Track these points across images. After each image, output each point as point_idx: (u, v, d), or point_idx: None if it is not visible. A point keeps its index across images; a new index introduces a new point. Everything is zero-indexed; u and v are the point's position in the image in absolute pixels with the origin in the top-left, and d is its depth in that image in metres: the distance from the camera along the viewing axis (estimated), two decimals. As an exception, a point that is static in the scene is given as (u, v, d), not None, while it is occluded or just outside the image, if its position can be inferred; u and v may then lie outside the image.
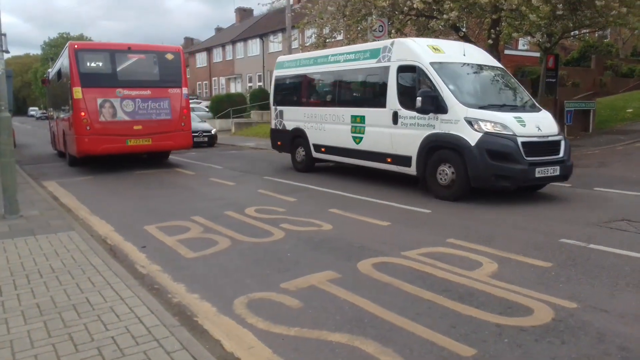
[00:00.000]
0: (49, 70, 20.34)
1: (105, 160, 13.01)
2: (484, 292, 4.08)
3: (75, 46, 11.77)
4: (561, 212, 6.96)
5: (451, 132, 7.65)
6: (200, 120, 21.00)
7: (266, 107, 33.20)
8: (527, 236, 5.74)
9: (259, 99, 33.78)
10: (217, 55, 49.23)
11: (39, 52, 74.81)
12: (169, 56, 12.48)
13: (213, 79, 50.44)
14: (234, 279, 4.54)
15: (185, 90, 12.66)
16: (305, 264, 4.90)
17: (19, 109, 75.73)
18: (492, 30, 14.05)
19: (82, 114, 11.27)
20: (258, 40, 42.11)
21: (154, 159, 14.38)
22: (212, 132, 20.39)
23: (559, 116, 16.14)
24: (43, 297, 3.98)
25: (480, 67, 8.94)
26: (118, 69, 11.81)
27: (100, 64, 11.71)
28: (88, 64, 11.56)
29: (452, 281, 4.33)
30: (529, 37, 17.09)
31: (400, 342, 3.27)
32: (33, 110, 70.96)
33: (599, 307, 3.75)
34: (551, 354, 3.08)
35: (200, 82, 53.57)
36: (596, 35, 30.30)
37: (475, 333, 3.37)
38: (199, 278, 4.61)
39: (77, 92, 11.27)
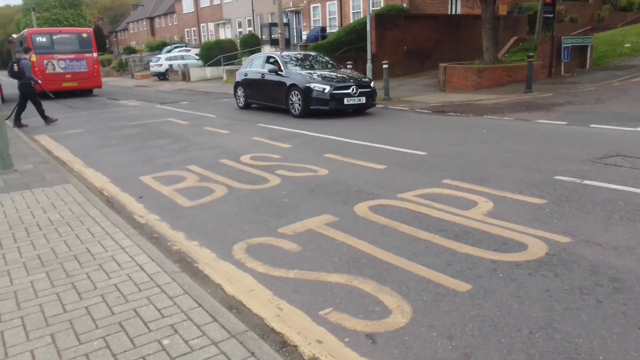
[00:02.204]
0: (14, 35, 29.73)
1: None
2: (480, 230, 4.14)
3: (30, 32, 20.92)
4: (557, 149, 6.97)
5: None
6: (341, 77, 11.84)
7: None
8: (523, 174, 5.77)
9: (250, 44, 32.96)
10: (204, 0, 47.51)
11: (19, 2, 71.98)
12: (84, 35, 21.75)
13: (201, 25, 48.92)
14: (232, 226, 4.58)
15: (95, 55, 21.82)
16: (302, 208, 4.93)
17: (4, 62, 73.81)
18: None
19: (37, 69, 18.21)
20: (246, -18, 40.55)
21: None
22: (372, 85, 11.78)
23: (556, 53, 15.87)
24: (43, 249, 4.01)
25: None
26: (55, 44, 20.74)
27: (44, 40, 20.65)
28: (38, 40, 20.38)
29: (448, 221, 4.39)
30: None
31: (397, 280, 3.35)
32: None
33: (593, 240, 3.82)
34: (544, 286, 3.16)
35: (188, 29, 52.02)
36: (596, -34, 29.31)
37: (471, 269, 3.44)
38: (198, 226, 4.64)
39: (32, 57, 17.68)
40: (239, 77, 14.13)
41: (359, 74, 13.00)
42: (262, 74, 12.78)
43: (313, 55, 13.76)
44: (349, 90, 11.20)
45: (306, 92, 11.21)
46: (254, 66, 13.59)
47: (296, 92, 11.52)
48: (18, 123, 12.35)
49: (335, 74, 12.04)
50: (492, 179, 5.64)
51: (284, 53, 13.45)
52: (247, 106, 13.93)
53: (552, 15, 16.32)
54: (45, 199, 5.43)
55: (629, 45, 18.89)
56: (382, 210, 4.76)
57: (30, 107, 12.42)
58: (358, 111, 11.91)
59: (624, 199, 4.71)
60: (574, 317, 2.80)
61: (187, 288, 3.25)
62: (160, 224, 4.75)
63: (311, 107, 11.24)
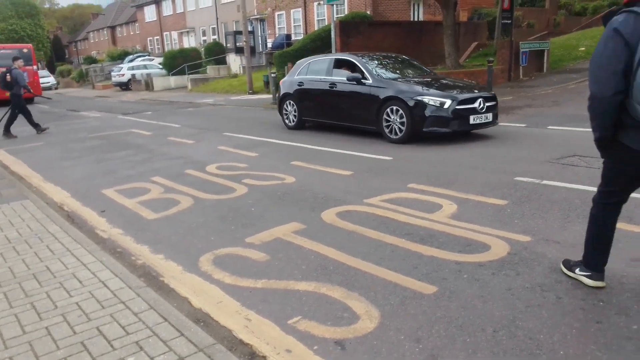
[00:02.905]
0: None
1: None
2: (444, 232, 4.21)
3: None
4: (516, 151, 7.17)
5: None
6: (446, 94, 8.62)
7: (222, 62, 32.37)
8: (485, 177, 5.91)
9: (214, 53, 32.75)
10: (167, 8, 46.97)
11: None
12: (25, 50, 24.80)
13: (164, 33, 48.32)
14: (198, 237, 4.52)
15: (35, 67, 24.78)
16: (270, 217, 4.92)
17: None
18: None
19: None
20: (209, -10, 40.32)
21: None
22: (496, 97, 8.83)
23: (514, 57, 16.37)
24: (0, 269, 3.86)
25: None
26: None
27: None
28: None
29: (413, 224, 4.45)
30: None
31: (365, 285, 3.37)
32: None
33: (552, 239, 3.94)
34: (507, 285, 3.24)
35: (151, 38, 51.30)
36: (549, -26, 30.38)
37: (436, 272, 3.50)
38: (163, 238, 4.57)
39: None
40: (287, 88, 10.78)
41: (468, 81, 10.53)
42: (332, 82, 9.56)
43: (394, 57, 10.64)
44: (475, 105, 8.03)
45: (416, 107, 8.01)
46: (311, 72, 10.26)
47: (396, 108, 8.26)
48: (8, 134, 12.36)
49: (445, 81, 9.17)
50: (457, 182, 5.76)
51: (360, 54, 9.96)
52: (300, 125, 10.66)
53: (510, 21, 16.84)
54: (2, 216, 5.24)
55: (583, 49, 19.65)
56: (349, 216, 4.79)
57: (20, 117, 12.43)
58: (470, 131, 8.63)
59: (580, 198, 4.88)
60: (535, 314, 2.88)
61: (152, 303, 3.19)
62: (124, 238, 4.65)
63: (424, 129, 8.04)
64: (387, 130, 8.57)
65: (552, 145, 7.43)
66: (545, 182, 5.50)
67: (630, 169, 2.85)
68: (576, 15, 30.56)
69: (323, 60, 10.28)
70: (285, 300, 3.25)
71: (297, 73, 10.71)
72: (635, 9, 2.52)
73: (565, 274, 3.28)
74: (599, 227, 3.09)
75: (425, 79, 9.04)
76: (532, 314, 2.89)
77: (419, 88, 8.29)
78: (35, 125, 12.85)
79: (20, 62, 12.68)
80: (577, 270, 3.20)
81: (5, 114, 12.57)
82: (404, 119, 8.20)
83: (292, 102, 10.70)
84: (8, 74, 12.22)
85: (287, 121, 10.95)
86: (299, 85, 10.43)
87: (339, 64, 9.78)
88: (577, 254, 3.60)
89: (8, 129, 12.43)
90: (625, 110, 2.62)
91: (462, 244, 3.96)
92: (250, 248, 4.15)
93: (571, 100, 12.23)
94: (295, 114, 10.66)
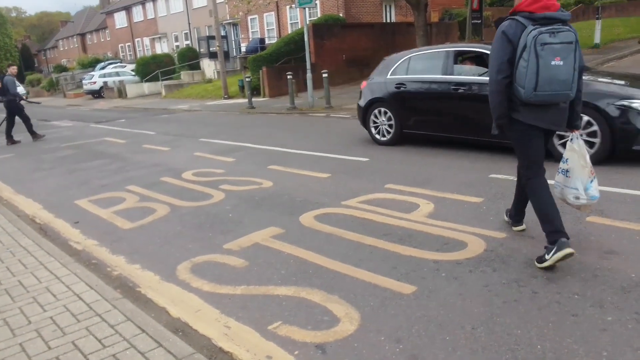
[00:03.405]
0: None
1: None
2: (422, 232, 4.25)
3: None
4: (492, 149, 7.27)
5: None
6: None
7: (196, 67, 32.09)
8: (461, 175, 5.98)
9: (188, 58, 32.46)
10: (138, 14, 46.38)
11: None
12: None
13: (136, 40, 47.70)
14: (175, 246, 4.46)
15: None
16: (248, 223, 4.88)
17: None
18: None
19: None
20: (180, -5, 39.96)
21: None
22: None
23: (485, 56, 16.63)
24: (-30, 286, 3.75)
25: None
26: None
27: None
28: None
29: (391, 225, 4.47)
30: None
31: (344, 288, 3.37)
32: None
33: (526, 234, 4.01)
34: (484, 282, 3.28)
35: (122, 45, 50.57)
36: (517, -26, 30.92)
37: (415, 271, 3.52)
38: (139, 248, 4.49)
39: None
40: (377, 92, 8.20)
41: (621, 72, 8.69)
42: (457, 83, 7.02)
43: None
44: None
45: (621, 117, 5.66)
46: (415, 71, 7.85)
47: (588, 120, 5.78)
48: (11, 140, 12.52)
49: (609, 75, 6.98)
50: (433, 181, 5.81)
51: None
52: (397, 139, 8.07)
53: (480, 21, 17.13)
54: (-29, 231, 5.08)
55: (551, 46, 20.07)
56: (328, 219, 4.79)
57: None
58: None
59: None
60: (512, 309, 2.93)
61: (129, 314, 3.13)
62: (99, 249, 4.56)
63: (634, 148, 5.70)
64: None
65: (524, 142, 7.54)
66: (518, 178, 5.58)
67: (530, 140, 3.48)
68: (544, 14, 31.27)
69: (433, 55, 7.72)
70: (265, 306, 3.23)
71: (390, 72, 8.17)
72: (516, 17, 3.32)
73: (543, 267, 3.36)
74: (537, 199, 3.52)
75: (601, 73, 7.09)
76: (509, 309, 2.93)
77: (620, 89, 5.87)
78: (33, 133, 12.92)
79: (13, 69, 12.83)
80: (548, 256, 3.32)
81: (2, 122, 12.79)
82: (597, 135, 5.75)
83: (385, 109, 8.09)
84: (0, 81, 12.23)
85: (377, 135, 8.35)
86: (397, 87, 7.90)
87: (462, 58, 7.44)
88: (551, 248, 3.68)
89: (10, 136, 12.60)
90: (514, 92, 3.35)
91: (439, 242, 4.00)
92: (229, 254, 4.12)
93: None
94: (391, 125, 8.10)
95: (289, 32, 26.36)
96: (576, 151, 3.52)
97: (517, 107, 3.41)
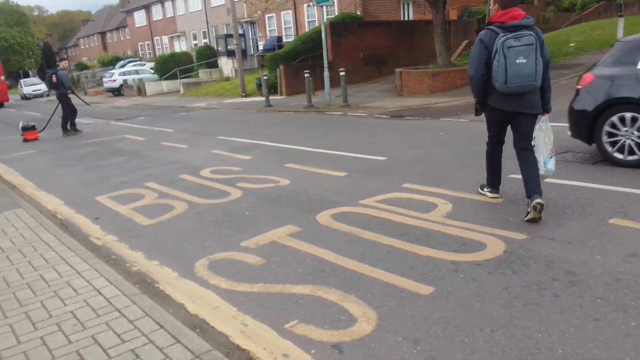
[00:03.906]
0: None
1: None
2: (440, 232, 4.21)
3: None
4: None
5: None
6: None
7: (214, 65, 32.30)
8: (479, 175, 5.89)
9: (206, 56, 32.68)
10: (157, 13, 46.83)
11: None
12: None
13: (155, 38, 48.17)
14: (193, 242, 4.49)
15: (2, 78, 31.24)
16: (265, 221, 4.90)
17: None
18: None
19: None
20: (199, -6, 40.21)
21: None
22: None
23: (505, 55, 16.40)
24: (-6, 279, 3.82)
25: None
26: None
27: None
28: None
29: (409, 225, 4.44)
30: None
31: (361, 288, 3.36)
32: None
33: (547, 236, 3.94)
34: (503, 284, 3.23)
35: (141, 43, 51.10)
36: (538, -29, 30.53)
37: (433, 272, 3.49)
38: (158, 244, 4.54)
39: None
40: (622, 89, 5.68)
41: None
42: None
43: None
44: None
45: None
46: None
47: None
48: (74, 128, 13.56)
49: None
50: (451, 181, 5.76)
51: None
52: None
53: (499, 19, 16.86)
54: (-5, 226, 5.19)
55: (573, 44, 19.75)
56: (345, 217, 4.78)
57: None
58: None
59: (575, 194, 4.89)
60: (532, 312, 2.88)
61: (147, 310, 3.16)
62: (119, 245, 4.61)
63: None
64: None
65: (545, 142, 7.43)
66: (539, 179, 5.49)
67: (496, 120, 4.64)
68: (565, 11, 30.75)
69: None
70: (281, 304, 3.23)
71: (624, 60, 5.88)
72: (491, 27, 4.22)
73: (479, 192, 5.02)
74: (490, 158, 4.94)
75: None
76: (529, 312, 2.88)
77: None
78: (67, 129, 13.46)
79: (65, 64, 13.68)
80: (484, 190, 5.04)
81: (51, 116, 14.04)
82: None
83: (637, 115, 5.57)
84: (54, 75, 12.91)
85: (617, 153, 5.77)
86: None
87: None
88: (574, 251, 3.62)
89: (73, 124, 13.56)
90: (489, 84, 4.31)
91: (458, 243, 3.96)
92: (246, 252, 4.13)
93: (563, 96, 12.20)
94: None
95: (306, 30, 26.36)
96: (544, 131, 4.47)
97: (492, 96, 4.40)
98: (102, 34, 64.23)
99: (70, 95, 13.15)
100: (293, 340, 2.81)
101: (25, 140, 12.64)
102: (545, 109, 4.50)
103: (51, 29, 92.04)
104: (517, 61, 4.04)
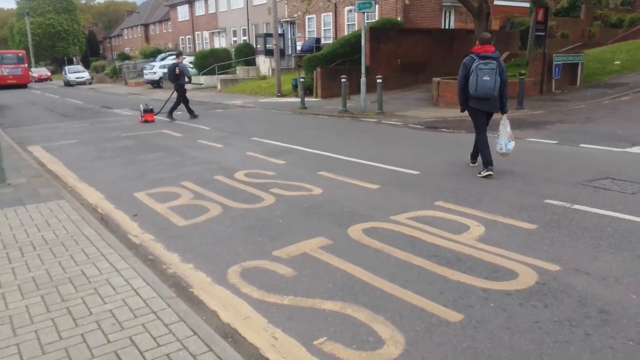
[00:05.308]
0: None
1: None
2: (471, 256, 4.20)
3: None
4: (547, 170, 7.07)
5: None
6: None
7: (252, 63, 32.64)
8: (513, 197, 5.85)
9: (245, 54, 33.05)
10: (200, 8, 47.63)
11: (13, 6, 71.96)
12: (20, 54, 38.86)
13: (196, 33, 49.01)
14: (226, 248, 4.61)
15: (26, 65, 38.88)
16: (297, 230, 4.98)
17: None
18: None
19: None
20: (241, -9, 40.70)
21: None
22: None
23: (547, 70, 16.11)
24: (38, 271, 4.02)
25: None
26: (3, 59, 37.50)
27: None
28: None
29: (440, 246, 4.45)
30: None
31: (390, 309, 3.39)
32: None
33: (582, 269, 3.89)
34: (534, 317, 3.22)
35: (182, 37, 52.06)
36: (587, -16, 29.75)
37: (463, 298, 3.50)
38: (192, 247, 4.67)
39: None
40: None
41: None
42: None
43: None
44: None
45: None
46: None
47: None
48: (192, 114, 15.14)
49: None
50: (484, 202, 5.72)
51: None
52: None
53: (543, 34, 16.55)
54: (39, 216, 5.43)
55: (618, 62, 19.19)
56: (376, 233, 4.82)
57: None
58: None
59: (612, 226, 4.80)
60: (563, 350, 2.86)
61: (182, 315, 3.27)
62: (155, 245, 4.77)
63: None
64: None
65: (583, 165, 7.30)
66: (576, 206, 5.41)
67: (476, 116, 6.97)
68: (612, 27, 29.81)
69: None
70: (311, 320, 3.29)
71: None
72: (472, 55, 6.66)
73: (480, 177, 6.75)
74: (479, 144, 6.98)
75: None
76: (560, 350, 2.87)
77: None
78: (172, 116, 15.04)
79: (182, 58, 15.31)
80: (481, 172, 6.81)
81: (166, 102, 15.90)
82: None
83: None
84: (177, 67, 14.55)
85: None
86: None
87: None
88: (608, 288, 3.57)
89: (191, 111, 15.15)
90: (468, 92, 6.72)
91: (489, 269, 3.95)
92: (277, 262, 4.22)
93: (605, 117, 11.97)
94: None
95: (346, 33, 26.40)
96: (504, 125, 6.95)
97: (470, 99, 6.81)
98: (146, 25, 65.71)
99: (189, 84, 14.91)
100: (321, 358, 2.88)
101: (145, 121, 14.48)
102: (503, 111, 6.92)
103: (97, 17, 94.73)
104: (484, 78, 6.51)
